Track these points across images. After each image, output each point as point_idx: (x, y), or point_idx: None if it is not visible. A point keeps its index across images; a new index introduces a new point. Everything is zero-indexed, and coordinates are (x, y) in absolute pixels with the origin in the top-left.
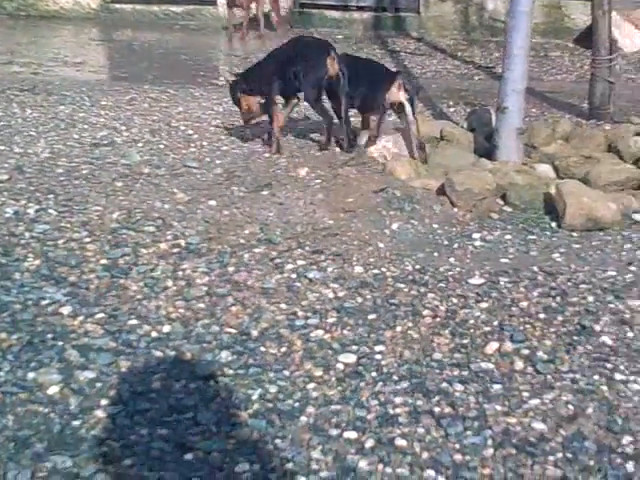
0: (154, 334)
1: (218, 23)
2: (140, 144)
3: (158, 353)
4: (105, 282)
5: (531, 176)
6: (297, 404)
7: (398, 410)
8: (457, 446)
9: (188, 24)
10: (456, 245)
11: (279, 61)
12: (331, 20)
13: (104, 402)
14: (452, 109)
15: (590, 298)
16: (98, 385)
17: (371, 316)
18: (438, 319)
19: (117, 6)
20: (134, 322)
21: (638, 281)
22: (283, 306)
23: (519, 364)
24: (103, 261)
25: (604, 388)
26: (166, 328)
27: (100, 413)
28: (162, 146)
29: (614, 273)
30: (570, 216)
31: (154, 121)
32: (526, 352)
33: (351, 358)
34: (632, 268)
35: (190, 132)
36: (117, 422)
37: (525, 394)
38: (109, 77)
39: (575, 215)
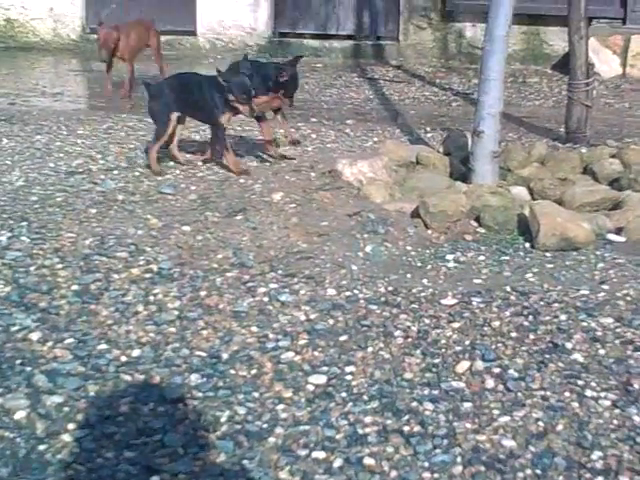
0: (123, 358)
1: (198, 52)
2: (115, 172)
3: (127, 377)
4: (76, 307)
5: (505, 198)
6: (266, 425)
7: (367, 430)
8: (426, 464)
9: (168, 54)
10: (429, 266)
11: None
12: (310, 48)
13: (71, 426)
14: (429, 134)
15: (562, 317)
16: (65, 409)
17: (342, 337)
18: (410, 339)
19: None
20: (104, 347)
21: (611, 299)
22: (254, 329)
23: (490, 382)
24: (74, 287)
25: (575, 405)
26: (136, 352)
27: (67, 437)
28: (137, 173)
29: (587, 292)
30: (543, 236)
31: (130, 149)
32: (497, 370)
33: (321, 379)
34: (605, 287)
35: (166, 160)
36: (83, 446)
37: (495, 412)
38: (87, 107)
39: (548, 235)
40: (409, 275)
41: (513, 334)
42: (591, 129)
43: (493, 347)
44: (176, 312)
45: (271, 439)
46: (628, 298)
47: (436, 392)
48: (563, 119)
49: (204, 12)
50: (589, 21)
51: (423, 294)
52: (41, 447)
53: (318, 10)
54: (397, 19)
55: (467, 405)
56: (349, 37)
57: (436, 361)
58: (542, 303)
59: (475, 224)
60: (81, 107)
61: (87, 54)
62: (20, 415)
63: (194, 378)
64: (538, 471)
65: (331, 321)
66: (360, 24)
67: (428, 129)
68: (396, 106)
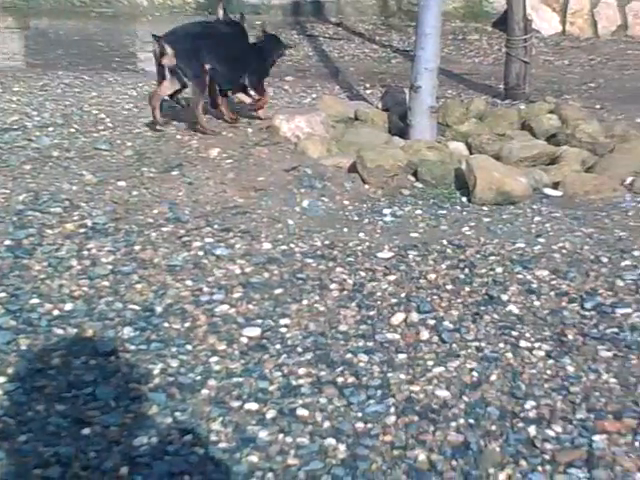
0: (56, 312)
1: (135, 10)
2: (51, 128)
3: (59, 331)
4: (8, 262)
5: (443, 153)
6: (199, 377)
7: (301, 381)
8: (359, 415)
9: (105, 11)
10: (366, 221)
11: None
12: (249, 6)
13: (1, 380)
14: (369, 91)
15: (498, 269)
16: None
17: (277, 291)
18: (345, 292)
19: None
20: (36, 301)
21: (546, 252)
22: (189, 282)
23: (425, 334)
24: (7, 242)
25: (509, 355)
26: (68, 306)
27: None
28: (73, 130)
29: (523, 245)
30: (480, 190)
31: (66, 106)
32: (432, 322)
33: (255, 332)
34: (541, 240)
35: (102, 116)
36: (14, 399)
37: (430, 363)
38: (23, 64)
39: (485, 189)
40: (346, 229)
41: (449, 287)
42: (530, 86)
43: (428, 299)
44: (110, 266)
45: (204, 391)
46: (564, 251)
47: (371, 344)
48: (502, 76)
49: None
50: None
51: (359, 247)
52: None
53: None
54: None
55: (401, 356)
56: None
57: (371, 313)
58: (478, 256)
59: (412, 179)
60: (17, 64)
61: (24, 11)
62: None
63: (127, 331)
64: (471, 420)
65: (266, 274)
66: None
67: (367, 86)
68: (335, 63)
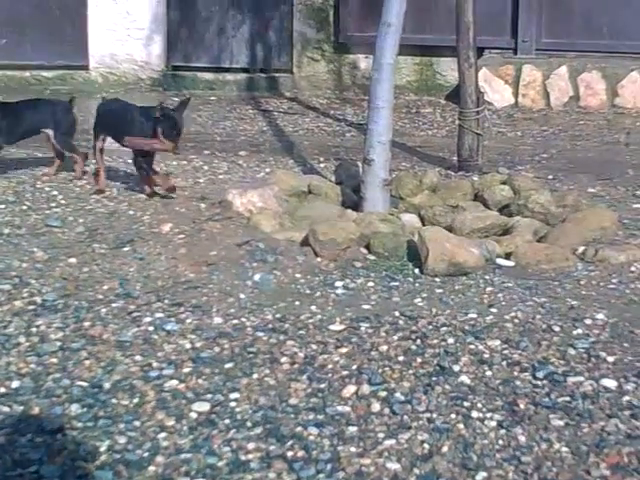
0: (2, 390)
1: (91, 87)
2: (2, 205)
3: (5, 409)
4: None
5: (395, 225)
6: (146, 454)
7: (250, 456)
8: None
9: (59, 89)
10: (318, 293)
11: None
12: (204, 82)
13: None
14: (323, 165)
15: (450, 340)
16: None
17: (228, 365)
18: (296, 365)
19: None
20: None
21: (499, 322)
22: (138, 358)
23: (376, 406)
24: None
25: (460, 426)
26: (15, 383)
27: None
28: (25, 207)
29: (475, 315)
30: (432, 262)
31: (18, 183)
32: (383, 394)
33: (205, 407)
34: (493, 310)
35: (55, 193)
36: None
37: (380, 435)
38: None
39: (437, 260)
40: (297, 302)
41: (400, 358)
42: (484, 157)
43: (380, 371)
44: (58, 343)
45: (151, 468)
46: (516, 320)
47: (321, 417)
48: (456, 148)
49: (96, 46)
50: (481, 51)
51: (311, 320)
52: None
53: (211, 43)
54: (290, 51)
55: (352, 429)
56: (243, 70)
57: (322, 386)
58: (430, 327)
59: (365, 251)
60: None
61: None
62: None
63: (74, 408)
64: None
65: (217, 349)
66: (254, 57)
67: (321, 159)
68: (290, 137)
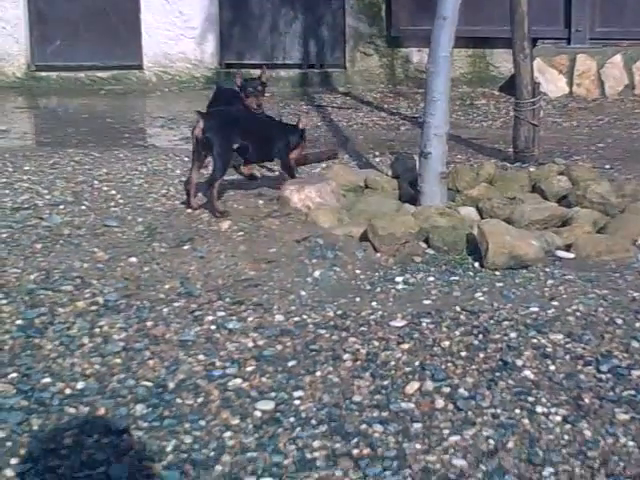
0: (68, 391)
1: (144, 86)
2: (62, 206)
3: (71, 410)
4: (20, 342)
5: (454, 218)
6: (212, 453)
7: (316, 454)
8: None
9: (114, 88)
10: (378, 289)
11: None
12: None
13: (14, 461)
14: (378, 159)
15: (512, 334)
16: (8, 444)
17: (291, 363)
18: (359, 362)
19: (43, 74)
20: (47, 380)
21: (560, 315)
22: (201, 357)
23: (440, 402)
24: (18, 322)
25: (525, 421)
26: (80, 385)
27: (9, 472)
28: (84, 207)
29: (536, 309)
30: (492, 255)
31: (77, 183)
32: (447, 390)
33: (269, 405)
34: (554, 303)
35: (113, 192)
36: None
37: (445, 431)
38: (33, 143)
39: (497, 254)
40: (358, 299)
41: (463, 353)
42: (539, 148)
43: (443, 367)
44: (122, 343)
45: (218, 467)
46: (578, 314)
47: (385, 414)
48: (511, 139)
49: (149, 46)
50: (534, 42)
51: (372, 317)
52: None
53: (264, 40)
54: (343, 47)
55: (417, 426)
56: (296, 66)
57: (385, 383)
58: (492, 321)
59: (424, 245)
60: (27, 143)
61: (34, 91)
62: None
63: (139, 408)
64: None
65: (279, 347)
66: (307, 53)
67: (377, 153)
68: (344, 132)
